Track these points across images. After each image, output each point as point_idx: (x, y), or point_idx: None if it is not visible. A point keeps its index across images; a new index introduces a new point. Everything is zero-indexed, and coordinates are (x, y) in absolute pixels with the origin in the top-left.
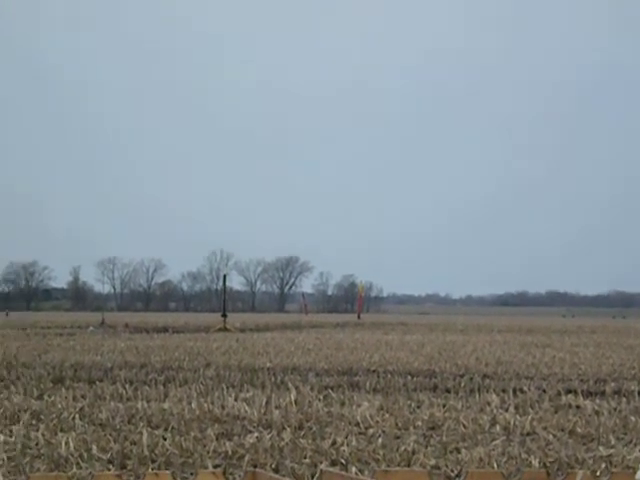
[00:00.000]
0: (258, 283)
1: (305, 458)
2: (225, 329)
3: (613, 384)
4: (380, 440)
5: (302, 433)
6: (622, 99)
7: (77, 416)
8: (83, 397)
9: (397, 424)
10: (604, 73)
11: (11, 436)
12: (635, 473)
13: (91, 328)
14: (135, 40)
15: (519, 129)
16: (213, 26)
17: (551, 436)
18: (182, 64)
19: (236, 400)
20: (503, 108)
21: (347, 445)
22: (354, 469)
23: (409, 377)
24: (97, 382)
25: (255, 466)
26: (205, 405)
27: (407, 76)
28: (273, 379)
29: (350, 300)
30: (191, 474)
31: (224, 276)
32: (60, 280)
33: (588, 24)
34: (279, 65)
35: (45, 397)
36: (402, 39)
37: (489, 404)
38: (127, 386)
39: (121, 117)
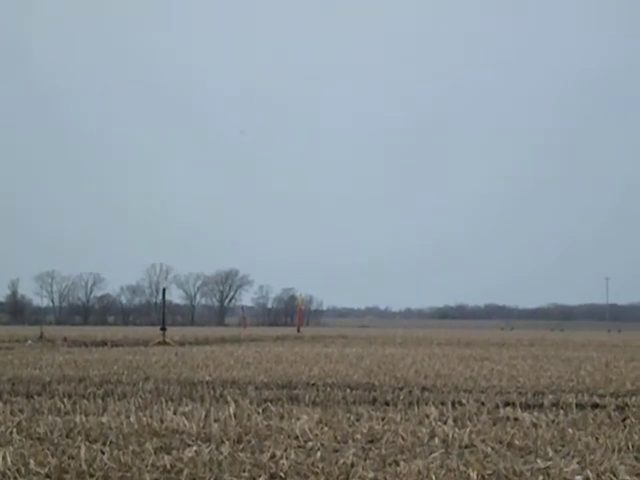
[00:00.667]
0: (198, 296)
1: (244, 472)
2: (164, 343)
3: (551, 396)
4: (319, 453)
5: (241, 447)
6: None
7: (15, 430)
8: (21, 411)
9: (336, 437)
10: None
11: None
12: None
13: (29, 342)
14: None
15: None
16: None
17: (489, 449)
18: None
19: (175, 414)
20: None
21: (286, 459)
22: None
23: (348, 390)
24: (35, 396)
25: None
26: (144, 419)
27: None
28: (212, 393)
29: (290, 313)
30: None
31: (163, 290)
32: None
33: (590, 31)
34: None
35: None
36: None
37: (428, 417)
38: (65, 400)
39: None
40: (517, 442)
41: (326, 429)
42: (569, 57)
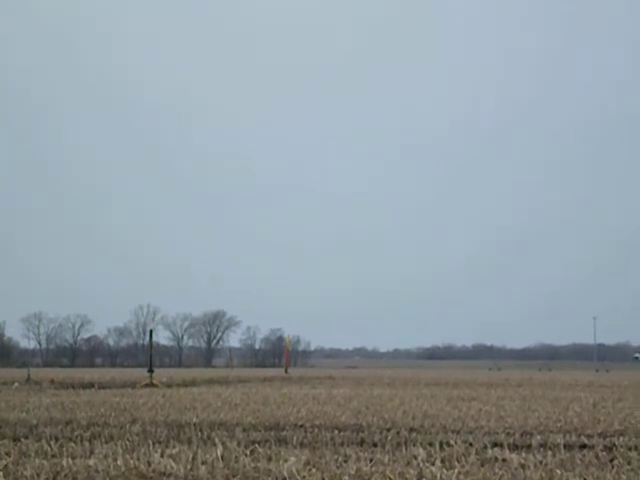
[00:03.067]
0: (185, 338)
1: None
2: (152, 384)
3: (539, 437)
4: None
5: None
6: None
7: (1, 473)
8: (7, 454)
9: (324, 479)
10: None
11: None
12: None
13: (16, 384)
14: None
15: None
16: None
17: None
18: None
19: (162, 456)
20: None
21: None
22: None
23: (336, 431)
24: (22, 439)
25: None
26: (131, 461)
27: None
28: (200, 434)
29: (278, 354)
30: None
31: (150, 331)
32: None
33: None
34: None
35: None
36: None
37: (416, 458)
38: (52, 443)
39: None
40: None
41: (314, 471)
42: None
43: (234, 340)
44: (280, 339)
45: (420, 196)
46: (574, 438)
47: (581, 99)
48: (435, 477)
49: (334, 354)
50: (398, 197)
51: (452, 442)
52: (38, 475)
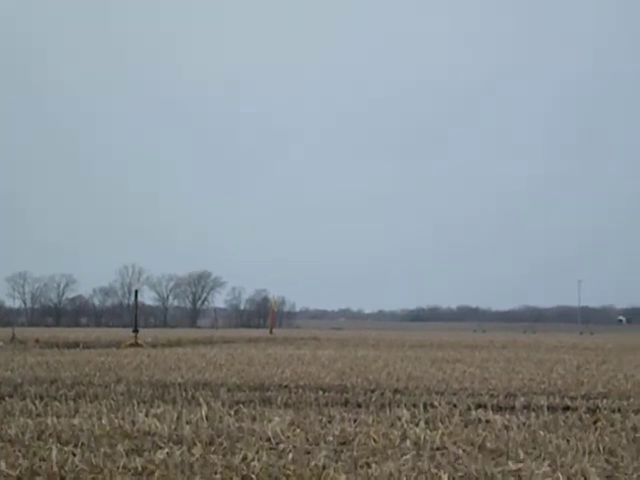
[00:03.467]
0: (170, 298)
1: (216, 474)
2: (137, 344)
3: (522, 399)
4: (291, 455)
5: (213, 449)
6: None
7: None
8: None
9: (308, 439)
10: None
11: None
12: None
13: (1, 343)
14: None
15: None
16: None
17: (461, 451)
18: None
19: (147, 416)
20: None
21: (258, 461)
22: None
23: (320, 392)
24: (6, 398)
25: None
26: (115, 421)
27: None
28: (184, 395)
29: (263, 315)
30: None
31: (136, 291)
32: None
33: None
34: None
35: None
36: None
37: (400, 419)
38: (37, 402)
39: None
40: (488, 444)
41: (298, 431)
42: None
43: (219, 301)
44: (265, 300)
45: (408, 158)
46: (557, 400)
47: (573, 58)
48: (419, 438)
49: (319, 315)
50: (387, 157)
51: (436, 403)
52: (23, 434)
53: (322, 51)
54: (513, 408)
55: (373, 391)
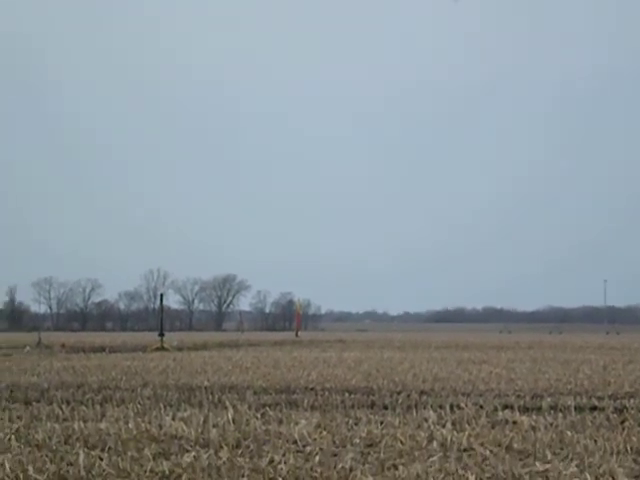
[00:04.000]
0: (195, 302)
1: (242, 477)
2: (162, 348)
3: (549, 399)
4: (317, 458)
5: (239, 452)
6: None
7: (13, 437)
8: (19, 418)
9: (334, 441)
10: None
11: None
12: None
13: (27, 348)
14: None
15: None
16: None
17: (488, 452)
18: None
19: (173, 419)
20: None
21: (285, 463)
22: None
23: (347, 394)
24: (33, 403)
25: None
26: (142, 425)
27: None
28: (210, 398)
29: (288, 318)
30: None
31: (161, 295)
32: None
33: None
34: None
35: None
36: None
37: (426, 420)
38: (64, 406)
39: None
40: (515, 445)
41: (324, 433)
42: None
43: (244, 304)
44: (290, 303)
45: (426, 155)
46: (584, 400)
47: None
48: (446, 439)
49: (344, 317)
50: (409, 158)
51: (462, 405)
52: (50, 438)
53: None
54: (540, 409)
55: (399, 393)
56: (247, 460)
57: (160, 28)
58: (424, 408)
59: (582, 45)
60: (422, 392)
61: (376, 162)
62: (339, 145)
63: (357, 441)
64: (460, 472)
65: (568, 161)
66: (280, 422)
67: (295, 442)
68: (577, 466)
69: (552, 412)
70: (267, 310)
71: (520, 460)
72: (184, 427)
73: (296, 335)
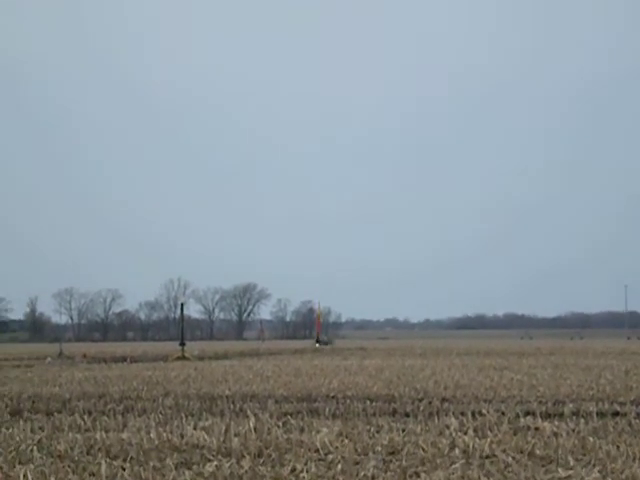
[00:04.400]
0: (216, 311)
1: None
2: (183, 357)
3: (571, 405)
4: (339, 466)
5: (261, 461)
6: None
7: (35, 448)
8: (41, 429)
9: (356, 449)
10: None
11: None
12: None
13: (49, 359)
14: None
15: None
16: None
17: (510, 458)
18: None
19: (195, 429)
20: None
21: (307, 472)
22: None
23: (368, 402)
24: (55, 413)
25: None
26: (164, 434)
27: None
28: (232, 407)
29: (309, 326)
30: None
31: (181, 305)
32: (17, 312)
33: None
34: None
35: (2, 429)
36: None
37: (448, 427)
38: (85, 417)
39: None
40: (538, 451)
41: (346, 441)
42: (573, 66)
43: (265, 313)
44: (311, 311)
45: (436, 159)
46: (606, 406)
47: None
48: (468, 446)
49: (365, 325)
50: (420, 163)
51: (484, 411)
52: (72, 449)
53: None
54: (562, 415)
55: (421, 400)
56: (269, 469)
57: (147, 32)
58: (446, 415)
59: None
60: (444, 399)
61: (388, 170)
62: (355, 154)
63: (379, 449)
64: (482, 479)
65: (589, 165)
66: (302, 430)
67: (317, 450)
68: (599, 472)
69: (574, 418)
70: (287, 319)
71: (542, 466)
72: (206, 436)
73: (317, 342)
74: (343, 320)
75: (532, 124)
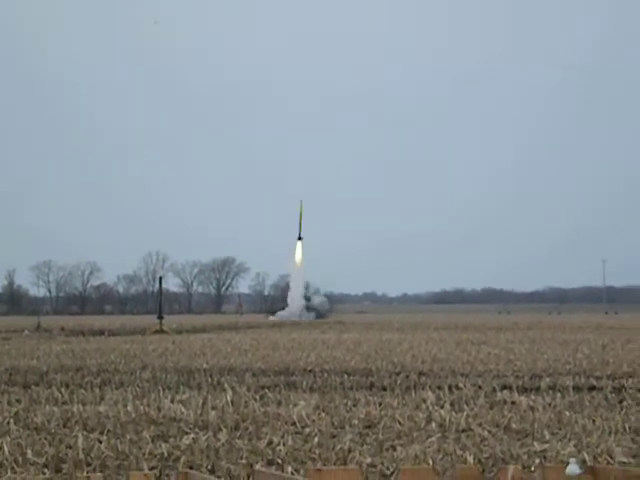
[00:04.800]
0: (194, 284)
1: (241, 458)
2: (161, 331)
3: (548, 379)
4: (316, 439)
5: (238, 434)
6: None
7: (12, 420)
8: (18, 401)
9: (333, 423)
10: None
11: None
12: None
13: (26, 332)
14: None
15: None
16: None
17: (486, 432)
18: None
19: (172, 402)
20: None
21: (283, 445)
22: (290, 469)
23: (345, 376)
24: (33, 386)
25: (191, 467)
26: (141, 407)
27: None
28: (210, 380)
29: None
30: (122, 476)
31: (160, 278)
32: None
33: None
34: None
35: None
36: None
37: (425, 401)
38: (63, 390)
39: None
40: (514, 425)
41: (323, 415)
42: (560, 50)
43: (243, 286)
44: (289, 285)
45: (422, 138)
46: (583, 380)
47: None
48: (444, 420)
49: (343, 299)
50: (407, 141)
51: (461, 385)
52: (49, 422)
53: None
54: (538, 389)
55: (398, 374)
56: (246, 442)
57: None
58: (423, 389)
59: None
60: (421, 373)
61: (374, 147)
62: (338, 126)
63: (356, 422)
64: (458, 452)
65: (567, 144)
66: (279, 404)
67: (294, 423)
68: (575, 446)
69: (551, 392)
70: (266, 293)
71: (518, 440)
72: (183, 409)
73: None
74: (321, 294)
75: (514, 114)
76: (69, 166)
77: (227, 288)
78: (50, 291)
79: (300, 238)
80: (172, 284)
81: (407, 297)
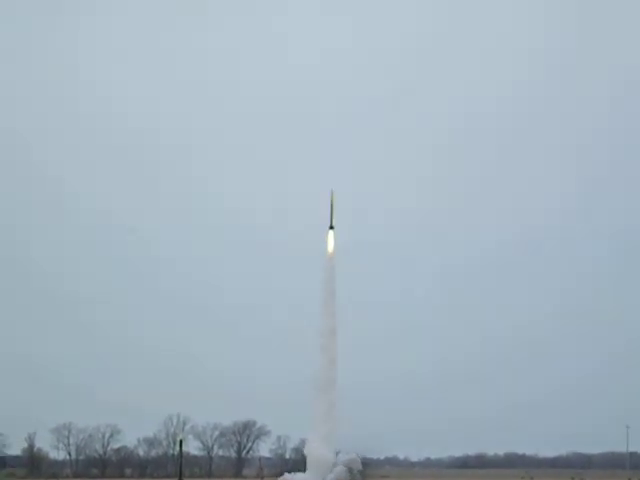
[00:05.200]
0: (215, 447)
1: None
2: None
3: None
4: None
5: None
6: None
7: None
8: None
9: None
10: None
11: None
12: None
13: None
14: None
15: None
16: None
17: None
18: None
19: None
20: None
21: None
22: None
23: None
24: None
25: None
26: None
27: None
28: None
29: None
30: None
31: (180, 441)
32: (15, 447)
33: None
34: None
35: None
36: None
37: None
38: None
39: None
40: None
41: None
42: None
43: (264, 450)
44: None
45: None
46: None
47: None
48: None
49: (364, 463)
50: None
51: None
52: None
53: None
54: None
55: None
56: None
57: None
58: None
59: None
60: None
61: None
62: None
63: None
64: None
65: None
66: None
67: None
68: None
69: None
70: (287, 456)
71: None
72: None
73: None
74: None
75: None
76: (88, 327)
77: (248, 452)
78: (70, 454)
79: (332, 227)
80: (192, 447)
81: (429, 461)
